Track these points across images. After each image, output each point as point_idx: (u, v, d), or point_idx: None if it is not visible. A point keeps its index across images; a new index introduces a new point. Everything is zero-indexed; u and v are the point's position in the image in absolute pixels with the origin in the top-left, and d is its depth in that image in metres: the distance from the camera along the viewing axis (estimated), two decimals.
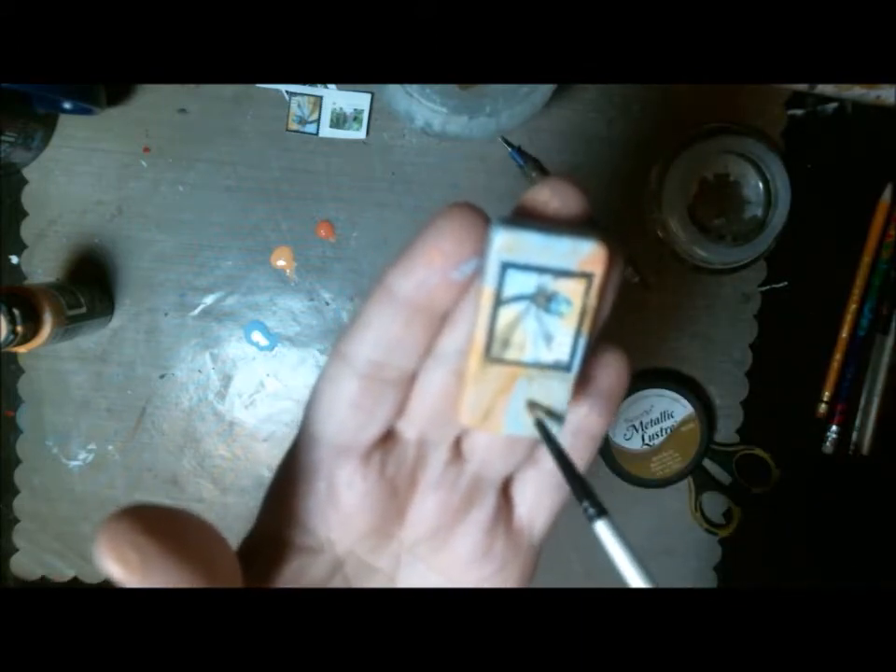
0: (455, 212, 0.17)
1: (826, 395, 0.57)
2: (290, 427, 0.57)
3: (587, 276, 0.17)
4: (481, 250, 0.17)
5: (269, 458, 0.58)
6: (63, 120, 0.54)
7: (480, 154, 0.55)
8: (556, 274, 0.17)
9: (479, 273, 0.17)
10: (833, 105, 0.56)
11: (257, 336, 0.57)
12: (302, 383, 0.57)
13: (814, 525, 0.59)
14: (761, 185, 0.53)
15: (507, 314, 0.17)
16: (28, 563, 0.58)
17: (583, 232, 0.17)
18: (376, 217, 0.56)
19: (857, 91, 0.54)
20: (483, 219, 0.17)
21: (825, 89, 0.54)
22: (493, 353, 0.18)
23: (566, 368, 0.18)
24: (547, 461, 0.22)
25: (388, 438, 0.20)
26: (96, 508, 0.57)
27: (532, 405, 0.19)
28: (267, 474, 0.58)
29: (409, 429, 0.20)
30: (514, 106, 0.46)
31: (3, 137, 0.48)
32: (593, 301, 0.17)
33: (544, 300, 0.17)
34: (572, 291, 0.17)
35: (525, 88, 0.46)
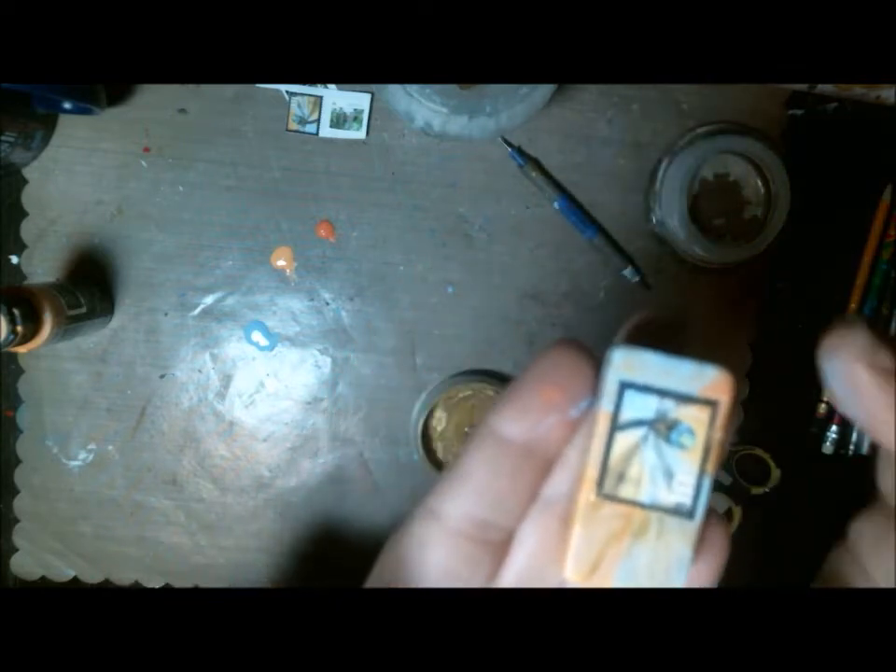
0: (566, 348, 0.16)
1: (826, 395, 0.57)
2: (290, 427, 0.57)
3: (711, 404, 0.16)
4: (594, 388, 0.16)
5: (269, 458, 0.58)
6: (63, 120, 0.54)
7: (480, 154, 0.55)
8: (678, 400, 0.16)
9: (592, 408, 0.17)
10: (833, 105, 0.56)
11: (257, 336, 0.57)
12: (302, 382, 0.57)
13: (814, 525, 0.59)
14: (761, 185, 0.53)
15: (624, 440, 0.16)
16: (28, 563, 0.58)
17: (705, 359, 0.16)
18: (376, 217, 0.56)
19: (857, 91, 0.54)
20: (592, 356, 0.17)
21: (825, 89, 0.54)
22: (606, 487, 0.16)
23: (688, 514, 0.17)
24: None
25: None
26: (96, 508, 0.57)
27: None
28: (267, 474, 0.58)
29: (500, 583, 0.18)
30: (514, 106, 0.46)
31: (3, 137, 0.48)
32: (718, 433, 0.16)
33: (665, 427, 0.16)
34: (695, 420, 0.16)
35: (524, 88, 0.46)
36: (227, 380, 0.57)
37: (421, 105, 0.46)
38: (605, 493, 0.16)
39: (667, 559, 0.17)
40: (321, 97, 0.54)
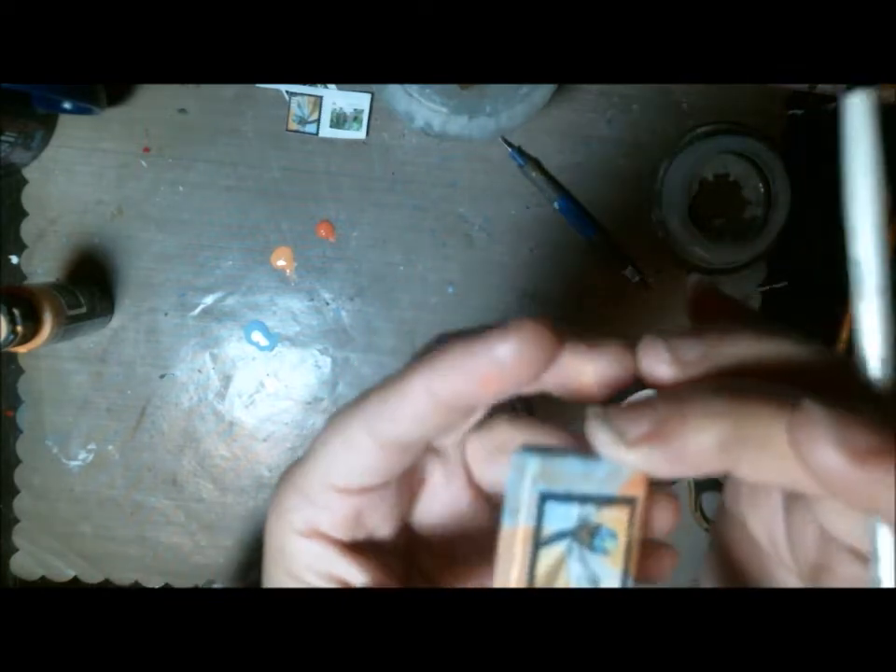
0: (529, 331, 0.15)
1: None
2: (290, 427, 0.57)
3: (630, 502, 0.16)
4: (547, 369, 0.16)
5: (269, 458, 0.58)
6: (63, 120, 0.54)
7: (480, 154, 0.55)
8: (598, 503, 0.16)
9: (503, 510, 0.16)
10: (833, 104, 0.56)
11: (257, 336, 0.57)
12: (302, 382, 0.57)
13: None
14: (761, 185, 0.53)
15: (548, 555, 0.16)
16: (28, 563, 0.58)
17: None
18: (376, 216, 0.56)
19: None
20: (558, 338, 0.15)
21: (825, 89, 0.54)
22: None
23: None
24: None
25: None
26: (96, 508, 0.57)
27: None
28: (267, 474, 0.58)
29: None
30: (514, 106, 0.46)
31: (3, 137, 0.48)
32: (637, 531, 0.16)
33: (588, 535, 0.16)
34: (616, 521, 0.16)
35: (524, 88, 0.46)
36: (227, 380, 0.57)
37: (421, 105, 0.46)
38: None
39: None
40: (321, 97, 0.54)
